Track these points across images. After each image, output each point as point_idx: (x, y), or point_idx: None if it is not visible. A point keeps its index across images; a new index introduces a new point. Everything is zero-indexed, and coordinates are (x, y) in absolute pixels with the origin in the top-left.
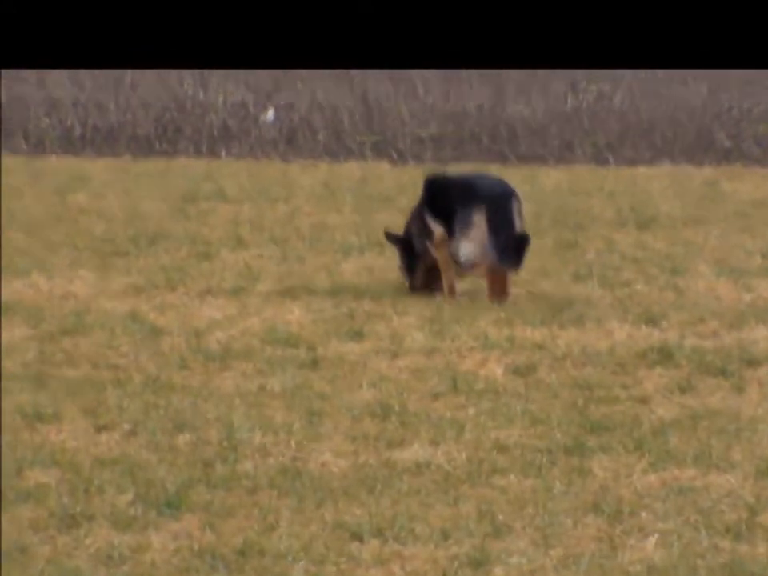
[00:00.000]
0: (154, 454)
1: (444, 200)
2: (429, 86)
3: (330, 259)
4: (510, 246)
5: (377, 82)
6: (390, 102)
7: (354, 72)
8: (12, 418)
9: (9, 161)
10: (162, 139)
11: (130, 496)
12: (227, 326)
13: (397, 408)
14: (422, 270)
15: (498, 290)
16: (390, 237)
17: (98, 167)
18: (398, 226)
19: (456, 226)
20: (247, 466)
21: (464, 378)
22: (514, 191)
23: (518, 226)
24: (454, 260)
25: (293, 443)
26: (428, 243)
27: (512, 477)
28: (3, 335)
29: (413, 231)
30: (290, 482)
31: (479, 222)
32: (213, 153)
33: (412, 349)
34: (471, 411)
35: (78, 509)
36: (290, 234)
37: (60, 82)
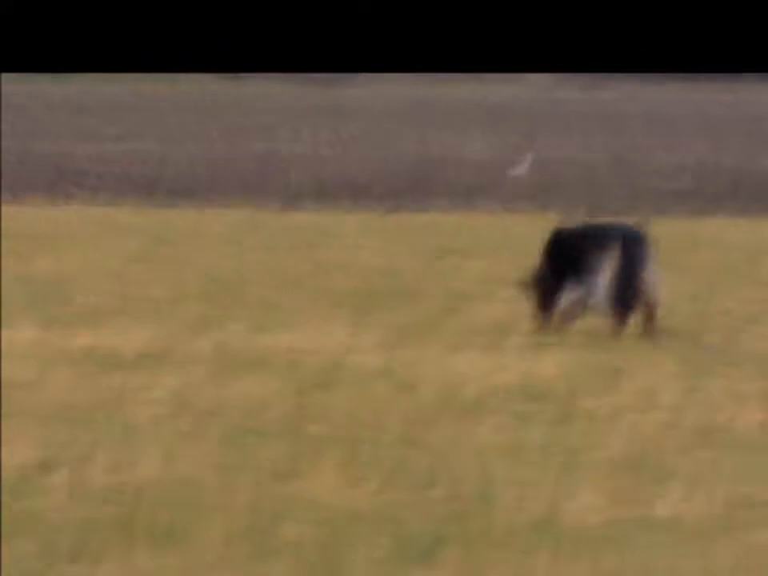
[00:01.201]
0: (406, 508)
1: (572, 248)
2: (683, 136)
3: None
4: (625, 294)
5: (632, 133)
6: (639, 155)
7: (607, 127)
8: (266, 472)
9: (260, 216)
10: (414, 193)
11: (383, 552)
12: (480, 378)
13: (650, 461)
14: (552, 309)
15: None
16: (522, 284)
17: (349, 222)
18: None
19: (584, 269)
20: (501, 519)
21: (718, 431)
22: (645, 236)
23: (650, 270)
24: (585, 302)
25: (545, 496)
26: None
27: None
28: (257, 389)
29: (541, 277)
30: (543, 536)
31: (609, 265)
32: (465, 206)
33: (664, 402)
34: (726, 465)
35: (330, 564)
36: None
37: (312, 138)
